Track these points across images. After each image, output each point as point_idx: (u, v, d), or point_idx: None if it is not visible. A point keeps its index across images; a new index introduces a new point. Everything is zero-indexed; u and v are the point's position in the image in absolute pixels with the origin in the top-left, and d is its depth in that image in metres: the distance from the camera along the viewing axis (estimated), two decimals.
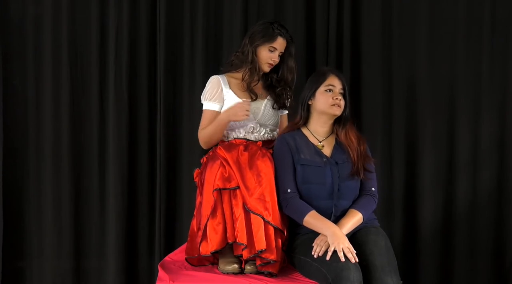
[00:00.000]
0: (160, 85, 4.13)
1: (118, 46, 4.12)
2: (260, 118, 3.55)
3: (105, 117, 4.15)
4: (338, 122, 3.36)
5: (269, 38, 3.54)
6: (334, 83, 3.30)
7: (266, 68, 3.58)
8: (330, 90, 3.30)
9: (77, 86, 4.14)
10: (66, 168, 4.14)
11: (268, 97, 3.61)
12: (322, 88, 3.31)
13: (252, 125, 3.52)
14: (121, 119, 4.14)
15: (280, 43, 3.55)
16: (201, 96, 3.60)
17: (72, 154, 4.14)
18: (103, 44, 4.13)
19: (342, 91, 3.31)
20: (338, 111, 3.29)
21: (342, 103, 3.30)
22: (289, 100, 3.66)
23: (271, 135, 3.58)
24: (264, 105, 3.57)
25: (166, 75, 4.13)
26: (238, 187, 3.18)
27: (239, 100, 3.51)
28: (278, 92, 3.60)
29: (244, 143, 3.39)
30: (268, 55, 3.54)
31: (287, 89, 3.63)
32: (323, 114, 3.33)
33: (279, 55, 3.57)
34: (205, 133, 3.50)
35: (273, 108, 3.58)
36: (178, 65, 4.15)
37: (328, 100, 3.29)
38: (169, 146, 4.15)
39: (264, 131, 3.55)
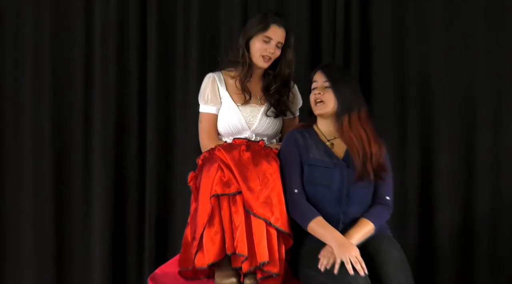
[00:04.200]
0: (151, 82, 4.14)
1: (104, 40, 4.13)
2: (256, 128, 3.55)
3: (91, 117, 4.16)
4: (335, 116, 3.32)
5: (262, 27, 3.50)
6: (317, 77, 3.33)
7: (261, 62, 3.51)
8: (313, 87, 3.33)
9: (60, 84, 4.16)
10: (47, 174, 4.15)
11: (267, 103, 3.57)
12: (311, 88, 3.36)
13: (246, 135, 3.53)
14: (108, 120, 4.15)
15: (275, 32, 3.50)
16: (198, 97, 3.60)
17: (53, 158, 4.15)
18: (88, 37, 4.14)
19: (327, 84, 3.29)
20: (321, 110, 3.30)
21: (327, 97, 3.29)
22: (288, 101, 3.62)
23: (270, 143, 3.58)
24: (261, 113, 3.56)
25: (157, 71, 4.14)
26: (239, 193, 3.15)
27: (234, 105, 3.53)
28: (276, 95, 3.56)
29: (245, 143, 3.38)
30: (263, 47, 3.49)
31: (286, 89, 3.60)
32: (317, 115, 3.37)
33: (277, 47, 3.51)
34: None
35: (266, 115, 3.55)
36: (170, 60, 4.16)
37: (311, 98, 3.34)
38: (160, 147, 4.16)
39: (260, 141, 3.53)
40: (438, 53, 4.13)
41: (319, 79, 3.33)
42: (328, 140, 3.35)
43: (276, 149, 3.41)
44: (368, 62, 4.17)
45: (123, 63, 4.19)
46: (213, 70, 3.66)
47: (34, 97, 4.16)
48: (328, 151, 3.31)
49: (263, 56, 3.51)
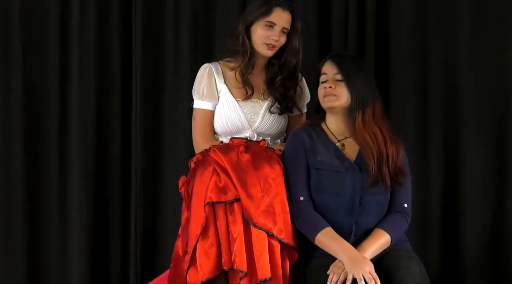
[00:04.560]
0: (136, 72, 4.09)
1: (83, 21, 4.07)
2: (258, 126, 3.45)
3: (67, 114, 4.10)
4: (347, 112, 3.20)
5: (263, 11, 3.38)
6: (327, 69, 3.21)
7: (264, 50, 3.39)
8: (323, 80, 3.21)
9: (32, 73, 4.10)
10: (17, 180, 4.11)
11: (270, 98, 3.47)
12: (320, 81, 3.24)
13: (247, 135, 3.43)
14: (87, 115, 4.09)
15: (279, 17, 3.37)
16: (192, 90, 3.51)
17: (24, 161, 4.11)
18: (64, 18, 4.09)
19: (339, 76, 3.17)
20: (332, 103, 3.17)
21: (339, 91, 3.16)
22: (295, 96, 3.50)
23: (273, 144, 3.48)
24: (264, 109, 3.46)
25: (143, 60, 4.08)
26: (236, 200, 3.04)
27: (234, 100, 3.43)
28: (281, 89, 3.45)
29: (244, 143, 3.26)
30: (265, 33, 3.37)
31: (292, 81, 3.48)
32: (325, 110, 3.24)
33: (283, 33, 3.39)
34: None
35: (270, 111, 3.45)
36: (159, 46, 4.10)
37: (320, 92, 3.22)
38: (147, 148, 4.11)
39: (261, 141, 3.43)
40: (465, 40, 3.99)
41: (329, 71, 3.19)
42: (339, 141, 3.22)
43: (280, 150, 3.30)
44: (385, 50, 4.05)
45: (104, 51, 4.12)
46: (206, 59, 3.58)
47: (1, 91, 4.12)
48: (338, 153, 3.18)
49: (266, 44, 3.40)
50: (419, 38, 4.04)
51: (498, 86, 3.99)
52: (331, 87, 3.15)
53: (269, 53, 3.40)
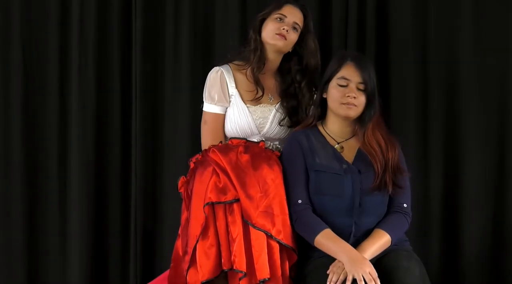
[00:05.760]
0: (136, 72, 4.05)
1: (83, 22, 4.03)
2: (266, 132, 3.45)
3: (66, 115, 4.07)
4: (358, 122, 3.19)
5: (274, 6, 3.42)
6: (350, 75, 3.14)
7: (275, 40, 3.38)
8: (343, 85, 3.14)
9: (31, 73, 4.07)
10: (16, 181, 4.07)
11: (277, 106, 3.46)
12: (334, 81, 3.17)
13: (255, 140, 3.42)
14: (87, 116, 4.05)
15: (289, 11, 3.41)
16: (204, 93, 3.49)
17: (24, 162, 4.07)
18: (64, 18, 4.05)
19: (362, 86, 3.13)
20: (352, 112, 3.14)
21: (360, 101, 3.13)
22: (309, 106, 3.47)
23: (280, 148, 3.46)
24: (273, 114, 3.46)
25: (143, 59, 4.05)
26: (236, 200, 3.04)
27: (244, 106, 3.43)
28: (292, 101, 3.45)
29: (244, 144, 3.25)
30: (276, 25, 3.38)
31: (313, 84, 3.47)
32: (335, 113, 3.20)
33: (294, 28, 3.40)
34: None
35: (280, 124, 3.44)
36: (159, 46, 4.06)
37: (338, 97, 3.15)
38: (147, 148, 4.07)
39: (271, 145, 3.45)
40: (465, 39, 3.95)
41: (353, 77, 3.14)
42: (338, 143, 3.23)
43: (278, 151, 3.34)
44: (385, 49, 4.02)
45: (104, 51, 4.08)
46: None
47: (1, 91, 4.08)
48: (337, 156, 3.19)
49: (277, 34, 3.39)
50: (419, 37, 3.99)
51: (499, 86, 3.94)
52: (355, 97, 3.12)
53: (279, 43, 3.38)
